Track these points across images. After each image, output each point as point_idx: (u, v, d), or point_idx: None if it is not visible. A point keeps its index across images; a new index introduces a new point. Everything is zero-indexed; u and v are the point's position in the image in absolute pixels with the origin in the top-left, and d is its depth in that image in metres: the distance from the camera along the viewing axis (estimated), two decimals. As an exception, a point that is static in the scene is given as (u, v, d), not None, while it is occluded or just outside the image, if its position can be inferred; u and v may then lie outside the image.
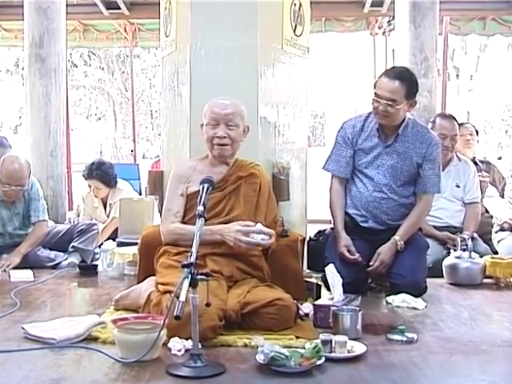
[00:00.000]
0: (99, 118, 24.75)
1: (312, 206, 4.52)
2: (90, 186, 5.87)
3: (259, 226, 3.20)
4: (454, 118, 4.82)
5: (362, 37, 11.64)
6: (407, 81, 3.70)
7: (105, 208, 5.90)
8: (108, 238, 4.94)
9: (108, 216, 5.81)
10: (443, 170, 4.60)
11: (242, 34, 3.89)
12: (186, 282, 2.45)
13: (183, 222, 3.41)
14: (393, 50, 8.66)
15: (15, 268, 4.50)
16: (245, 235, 3.17)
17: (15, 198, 4.79)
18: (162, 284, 3.08)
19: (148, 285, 3.29)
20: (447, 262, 4.20)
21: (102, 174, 5.75)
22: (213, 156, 3.47)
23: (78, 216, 6.11)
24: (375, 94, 3.74)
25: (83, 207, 6.05)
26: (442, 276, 4.20)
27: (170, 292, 2.90)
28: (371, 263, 3.76)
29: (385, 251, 3.76)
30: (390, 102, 3.67)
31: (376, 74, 9.05)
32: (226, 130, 3.37)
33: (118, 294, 3.43)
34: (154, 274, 3.35)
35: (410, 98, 3.74)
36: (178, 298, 2.40)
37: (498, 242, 4.92)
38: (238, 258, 3.28)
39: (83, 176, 5.84)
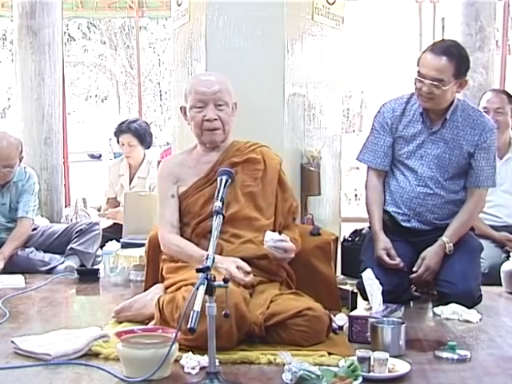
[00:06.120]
0: (101, 101, 24.89)
1: (347, 201, 4.52)
2: (122, 145, 5.79)
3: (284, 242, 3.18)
4: (508, 94, 4.77)
5: (405, 4, 11.59)
6: (456, 57, 3.67)
7: (130, 181, 5.85)
8: (111, 239, 4.97)
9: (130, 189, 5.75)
10: (501, 158, 4.59)
11: (266, 1, 3.90)
12: (202, 290, 2.45)
13: (183, 225, 3.43)
14: (442, 19, 8.61)
15: (3, 273, 4.53)
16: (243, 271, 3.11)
17: (2, 182, 4.80)
18: (174, 284, 3.12)
19: (154, 293, 3.32)
20: (506, 267, 4.17)
21: (136, 127, 5.72)
22: (202, 143, 3.48)
23: (76, 213, 6.11)
24: (418, 72, 3.72)
25: (108, 176, 5.98)
26: (499, 284, 4.18)
27: (185, 285, 2.96)
28: (415, 269, 3.75)
29: (431, 255, 3.75)
30: (435, 83, 3.65)
31: (422, 49, 8.99)
32: (215, 112, 3.37)
33: (120, 304, 3.43)
34: (163, 281, 3.38)
35: (460, 76, 3.71)
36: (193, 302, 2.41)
37: None
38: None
39: (114, 134, 5.83)
